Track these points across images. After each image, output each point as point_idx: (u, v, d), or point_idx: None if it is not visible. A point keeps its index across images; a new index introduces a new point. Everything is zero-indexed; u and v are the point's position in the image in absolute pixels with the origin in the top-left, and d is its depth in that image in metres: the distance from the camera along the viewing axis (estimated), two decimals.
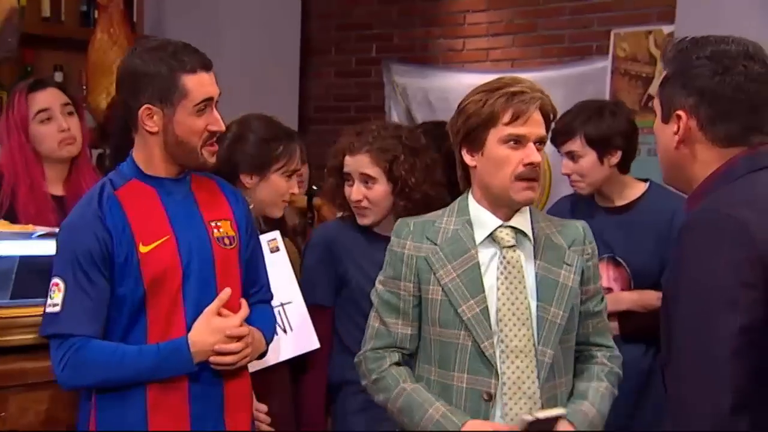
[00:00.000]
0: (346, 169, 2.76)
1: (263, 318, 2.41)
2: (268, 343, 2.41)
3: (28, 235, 2.50)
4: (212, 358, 2.22)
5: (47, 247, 2.58)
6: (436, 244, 2.25)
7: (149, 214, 2.25)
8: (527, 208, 2.28)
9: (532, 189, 2.21)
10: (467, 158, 2.26)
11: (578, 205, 3.06)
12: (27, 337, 2.44)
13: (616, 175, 2.95)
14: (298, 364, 2.72)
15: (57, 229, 2.56)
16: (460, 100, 2.30)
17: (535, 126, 2.20)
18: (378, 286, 2.32)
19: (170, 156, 2.26)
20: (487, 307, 2.21)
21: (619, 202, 2.98)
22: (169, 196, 2.28)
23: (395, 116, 5.13)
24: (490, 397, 2.19)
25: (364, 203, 2.73)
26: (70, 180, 2.96)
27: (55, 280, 2.22)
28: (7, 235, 2.49)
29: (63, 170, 2.96)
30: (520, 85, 2.21)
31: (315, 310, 2.71)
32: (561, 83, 4.31)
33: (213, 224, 2.31)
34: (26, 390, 2.34)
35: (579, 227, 2.34)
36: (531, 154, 2.19)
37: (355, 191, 2.73)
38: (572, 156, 2.93)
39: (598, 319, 2.35)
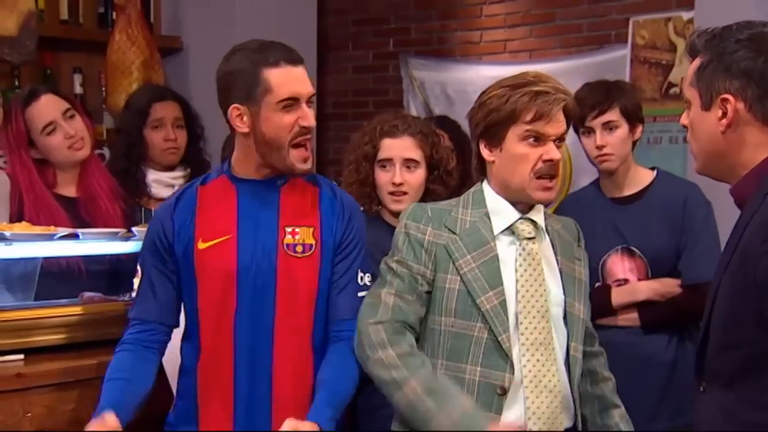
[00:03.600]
0: (386, 154, 2.72)
1: (338, 377, 2.24)
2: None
3: (50, 237, 2.51)
4: None
5: (70, 248, 2.60)
6: (455, 234, 2.23)
7: (219, 212, 2.26)
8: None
9: (551, 189, 2.20)
10: (485, 152, 2.26)
11: (584, 200, 3.00)
12: (52, 338, 2.47)
13: (630, 157, 2.93)
14: None
15: (79, 230, 2.58)
16: (480, 92, 2.28)
17: (556, 126, 2.19)
18: (393, 264, 2.24)
19: (261, 157, 2.24)
20: (505, 299, 2.19)
21: (628, 191, 2.93)
22: (248, 196, 2.26)
23: (413, 110, 5.11)
24: (504, 392, 2.16)
25: (404, 187, 2.71)
26: (82, 181, 2.98)
27: (138, 266, 2.32)
28: (29, 237, 2.50)
29: (75, 172, 2.97)
30: (544, 84, 2.19)
31: None
32: (580, 73, 4.26)
33: (288, 230, 2.25)
34: (52, 390, 2.35)
35: (572, 223, 2.39)
36: (550, 150, 2.18)
37: (398, 175, 2.71)
38: (609, 127, 2.89)
39: None
